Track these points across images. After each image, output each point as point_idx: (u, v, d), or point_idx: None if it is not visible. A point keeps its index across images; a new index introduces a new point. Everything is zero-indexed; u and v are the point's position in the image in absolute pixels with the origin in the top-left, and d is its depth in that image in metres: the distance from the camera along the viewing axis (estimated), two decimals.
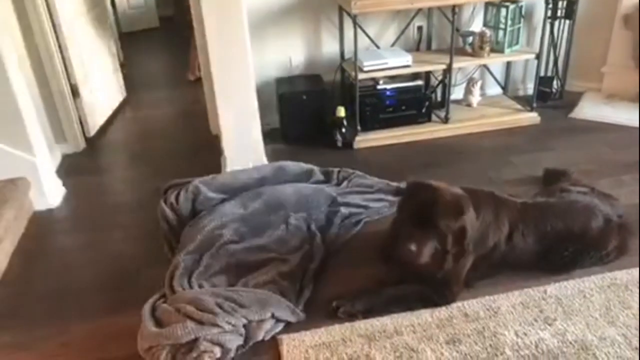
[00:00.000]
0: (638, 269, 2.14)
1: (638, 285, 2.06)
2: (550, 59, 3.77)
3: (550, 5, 3.40)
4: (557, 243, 2.15)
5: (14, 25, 3.00)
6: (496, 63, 3.74)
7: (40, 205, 2.88)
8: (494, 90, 3.91)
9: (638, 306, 1.96)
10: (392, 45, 3.60)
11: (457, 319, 1.95)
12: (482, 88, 3.78)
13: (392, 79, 3.45)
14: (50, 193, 2.91)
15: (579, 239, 2.16)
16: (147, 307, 1.97)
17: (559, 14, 3.59)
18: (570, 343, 1.83)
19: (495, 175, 2.95)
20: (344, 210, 2.57)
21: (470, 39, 3.49)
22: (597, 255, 2.18)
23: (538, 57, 3.48)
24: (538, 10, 3.65)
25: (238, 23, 2.70)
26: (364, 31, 3.45)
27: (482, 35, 3.37)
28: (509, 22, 3.39)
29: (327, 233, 2.44)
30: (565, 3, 3.55)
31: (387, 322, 1.95)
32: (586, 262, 2.17)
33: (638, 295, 2.01)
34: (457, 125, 3.48)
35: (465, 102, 3.72)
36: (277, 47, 3.52)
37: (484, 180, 2.85)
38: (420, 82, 3.55)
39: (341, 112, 3.33)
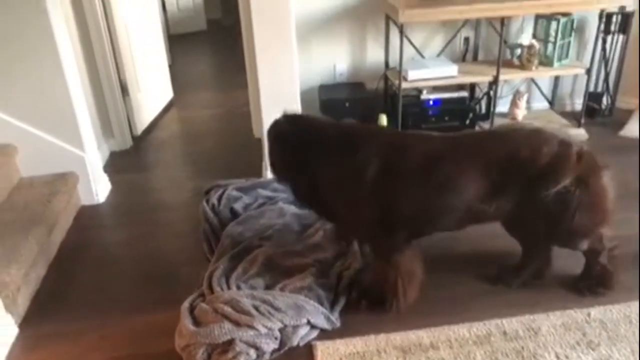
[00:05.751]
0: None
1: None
2: (600, 74, 3.67)
3: (604, 19, 3.31)
4: (504, 175, 1.82)
5: (72, 26, 3.11)
6: (544, 77, 3.66)
7: (87, 199, 2.98)
8: (541, 104, 3.83)
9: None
10: (438, 55, 3.58)
11: (495, 337, 1.91)
12: (528, 101, 3.71)
13: (436, 89, 3.42)
14: (97, 188, 3.00)
15: (527, 166, 1.80)
16: (185, 306, 2.01)
17: (612, 28, 3.49)
18: None
19: None
20: None
21: (518, 51, 3.43)
22: (552, 190, 1.81)
23: (588, 72, 3.39)
24: (590, 24, 3.56)
25: (286, 29, 2.73)
26: (409, 41, 3.43)
27: (530, 47, 3.31)
28: (559, 36, 3.31)
29: None
30: (619, 17, 3.45)
31: (423, 335, 1.93)
32: (539, 196, 1.82)
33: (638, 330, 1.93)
34: None
35: (510, 115, 3.65)
36: (322, 54, 3.55)
37: None
38: (464, 93, 3.50)
39: (383, 120, 3.32)
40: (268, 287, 2.11)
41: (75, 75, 2.84)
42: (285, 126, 2.02)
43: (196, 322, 1.93)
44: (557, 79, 3.74)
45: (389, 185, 1.87)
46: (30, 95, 2.69)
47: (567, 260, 2.18)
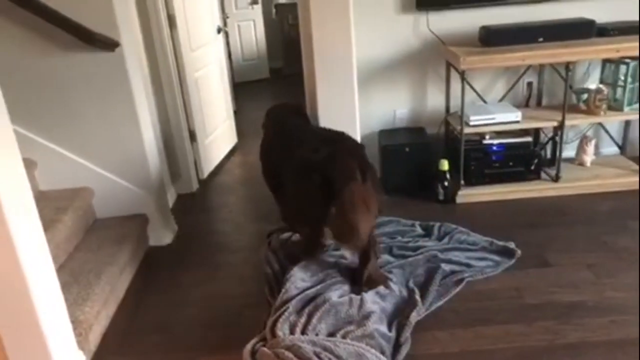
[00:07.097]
0: None
1: None
2: None
3: None
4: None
5: (147, 81, 3.34)
6: (613, 122, 3.55)
7: (155, 240, 3.10)
8: (610, 149, 3.70)
9: None
10: (500, 100, 3.55)
11: None
12: (597, 146, 3.59)
13: (499, 134, 3.38)
14: (164, 230, 3.13)
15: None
16: (247, 349, 2.03)
17: None
18: None
19: (612, 241, 2.75)
20: (445, 267, 2.52)
21: (584, 95, 3.35)
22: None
23: None
24: None
25: (348, 76, 2.82)
26: (471, 86, 3.43)
27: (598, 92, 3.22)
28: (629, 79, 3.22)
29: (426, 290, 2.38)
30: None
31: None
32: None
33: None
34: (568, 184, 3.31)
35: (577, 161, 3.54)
36: (382, 99, 3.60)
37: (598, 245, 2.68)
38: (529, 139, 3.43)
39: (445, 165, 3.30)
40: (330, 334, 2.10)
41: (149, 124, 3.01)
42: (275, 108, 3.04)
43: None
44: (627, 123, 3.61)
45: (267, 148, 2.87)
46: (108, 143, 2.88)
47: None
